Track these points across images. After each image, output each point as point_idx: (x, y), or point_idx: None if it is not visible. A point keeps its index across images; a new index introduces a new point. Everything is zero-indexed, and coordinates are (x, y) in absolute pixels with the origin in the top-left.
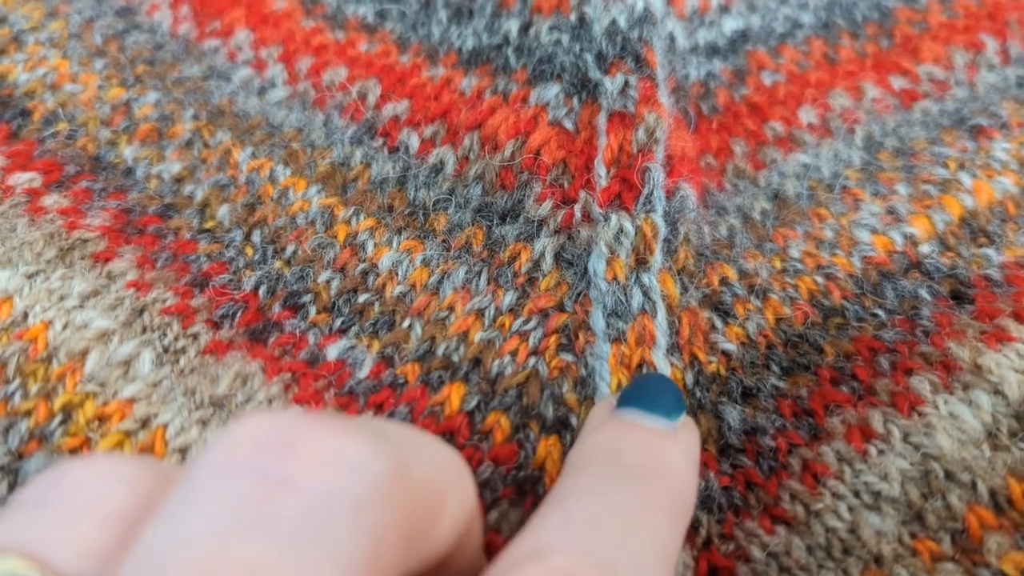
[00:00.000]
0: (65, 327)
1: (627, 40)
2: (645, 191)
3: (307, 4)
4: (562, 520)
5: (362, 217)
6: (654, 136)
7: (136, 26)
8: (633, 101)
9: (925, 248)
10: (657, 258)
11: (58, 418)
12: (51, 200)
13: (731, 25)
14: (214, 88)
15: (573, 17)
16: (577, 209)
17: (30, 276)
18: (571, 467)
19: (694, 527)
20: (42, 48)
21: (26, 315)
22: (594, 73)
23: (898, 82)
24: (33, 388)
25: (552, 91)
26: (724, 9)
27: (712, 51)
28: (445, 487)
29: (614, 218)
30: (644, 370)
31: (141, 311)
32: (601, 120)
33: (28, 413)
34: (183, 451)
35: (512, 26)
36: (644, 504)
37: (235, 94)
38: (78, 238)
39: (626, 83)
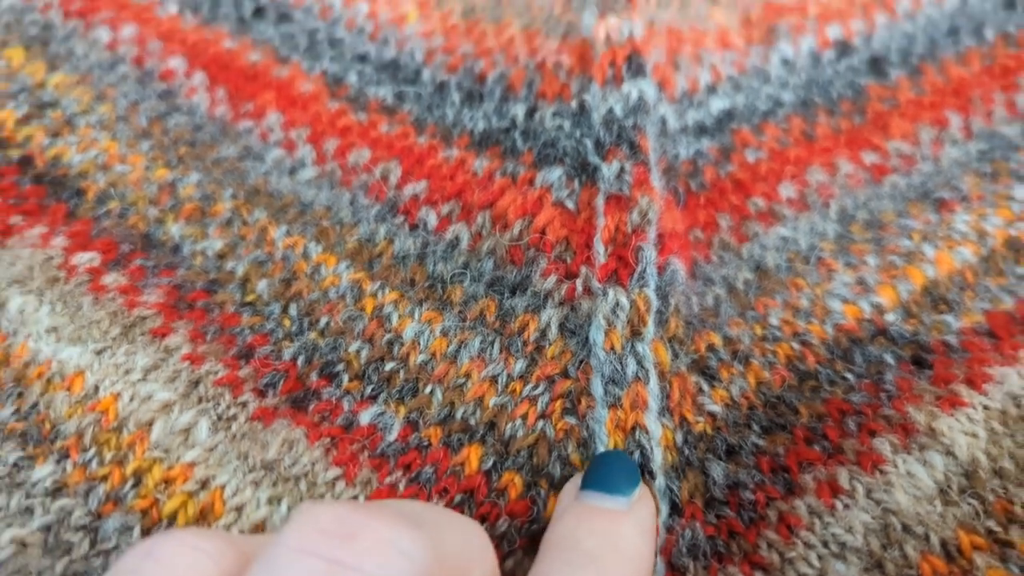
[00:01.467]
0: (132, 399)
1: (623, 128)
2: (639, 269)
3: (332, 86)
4: None
5: (387, 291)
6: (647, 218)
7: (177, 108)
8: (628, 185)
9: (890, 316)
10: (650, 329)
11: (130, 482)
12: (111, 279)
13: (718, 105)
14: (249, 168)
15: (574, 104)
16: (579, 283)
17: (99, 352)
18: (540, 554)
19: (682, 572)
20: (93, 130)
21: (97, 388)
22: (593, 158)
23: (869, 157)
24: (107, 456)
25: (555, 174)
26: (711, 90)
27: (700, 130)
28: (471, 559)
29: (611, 293)
30: (637, 433)
31: (196, 383)
32: (599, 202)
33: (104, 478)
34: (239, 510)
35: (519, 111)
36: None
37: (268, 174)
38: (138, 315)
39: (622, 169)
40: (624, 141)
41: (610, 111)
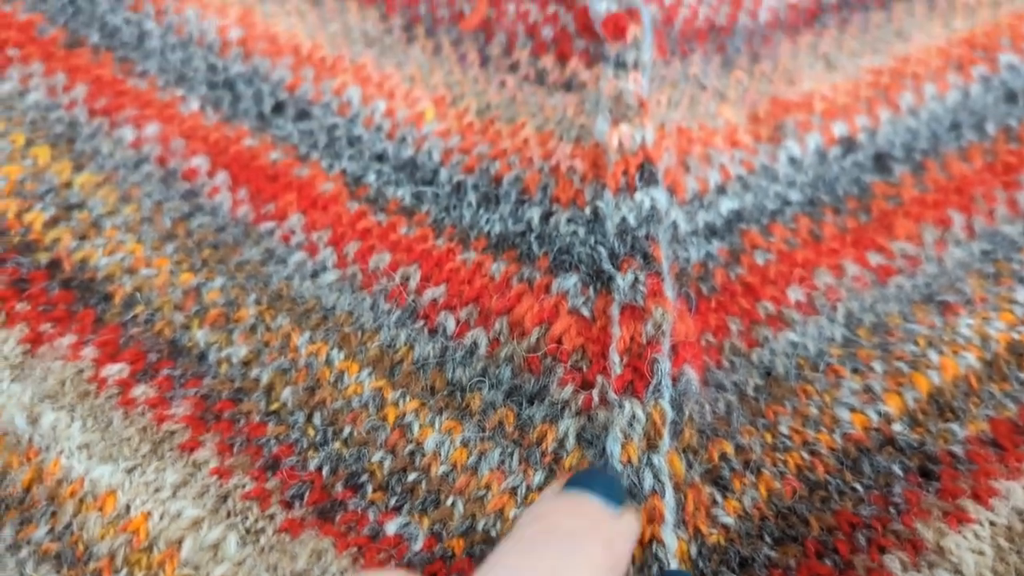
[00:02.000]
0: (162, 517)
1: (636, 239)
2: (654, 381)
3: (351, 186)
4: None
5: (408, 399)
6: (661, 329)
7: (200, 208)
8: (642, 295)
9: (898, 426)
10: (665, 441)
11: None
12: (139, 391)
13: (727, 205)
14: (272, 272)
15: (588, 211)
16: (595, 393)
17: (130, 471)
18: (513, 527)
19: None
20: (119, 232)
21: (128, 508)
22: (607, 266)
23: (875, 259)
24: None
25: (571, 281)
26: (721, 190)
27: (711, 232)
28: None
29: (627, 406)
30: (654, 547)
31: (225, 497)
32: (615, 311)
33: None
34: None
35: (534, 214)
36: (569, 562)
37: (291, 278)
38: (167, 431)
39: (636, 279)
40: (638, 252)
41: (623, 220)
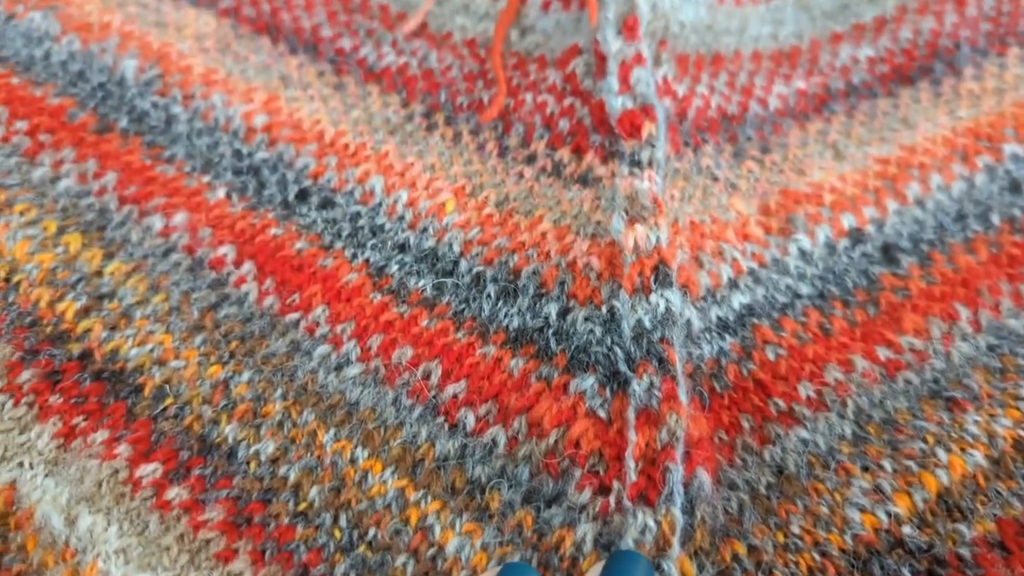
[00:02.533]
0: None
1: (651, 343)
2: (666, 490)
3: (374, 277)
4: None
5: (430, 499)
6: (675, 436)
7: (226, 298)
8: (657, 400)
9: (907, 528)
10: (675, 548)
11: None
12: (174, 493)
13: (739, 300)
14: (298, 365)
15: (604, 310)
16: (611, 499)
17: None
18: None
19: None
20: (148, 323)
21: None
22: (624, 368)
23: (884, 353)
24: None
25: (588, 382)
26: (733, 284)
27: (723, 327)
28: None
29: (640, 516)
30: None
31: None
32: (630, 415)
33: None
34: None
35: (552, 310)
36: None
37: (316, 371)
38: (203, 539)
39: (651, 384)
40: (653, 356)
41: (639, 323)
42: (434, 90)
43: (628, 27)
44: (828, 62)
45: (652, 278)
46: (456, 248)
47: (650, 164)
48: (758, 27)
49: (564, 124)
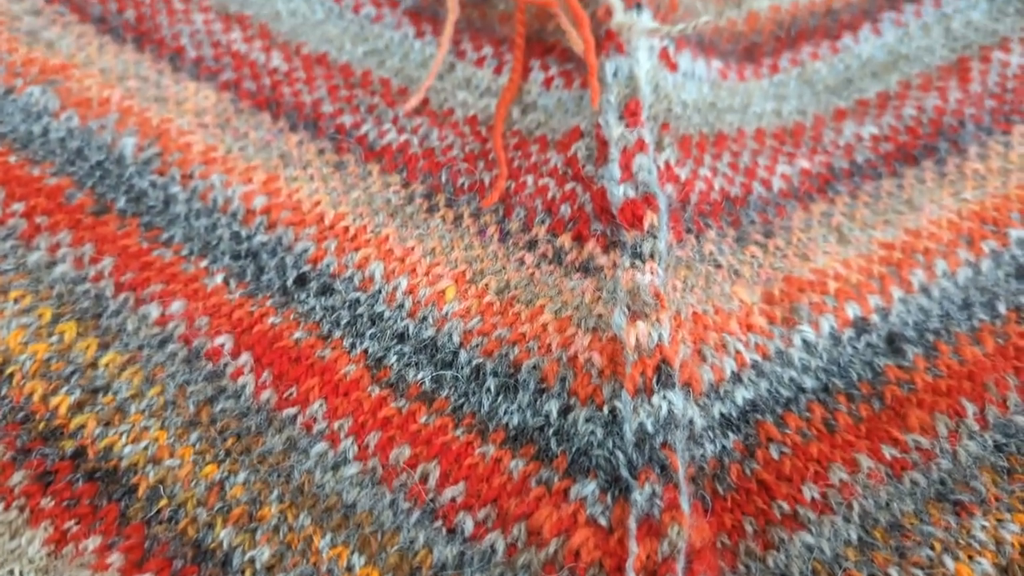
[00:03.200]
0: None
1: (653, 449)
2: None
3: (373, 369)
4: None
5: None
6: (676, 548)
7: (223, 391)
8: (659, 509)
9: None
10: None
11: None
12: None
13: (743, 395)
14: (294, 463)
15: (606, 411)
16: None
17: None
18: None
19: None
20: (143, 418)
21: None
22: (625, 473)
23: (889, 451)
24: None
25: (589, 488)
26: (737, 379)
27: (726, 423)
28: None
29: None
30: None
31: None
32: (632, 524)
33: None
34: None
35: (552, 407)
36: None
37: (312, 471)
38: None
39: (653, 492)
40: (655, 462)
41: (641, 426)
42: (435, 170)
43: (630, 111)
44: (832, 140)
45: (654, 379)
46: (456, 338)
47: (652, 256)
48: (762, 103)
49: (565, 209)
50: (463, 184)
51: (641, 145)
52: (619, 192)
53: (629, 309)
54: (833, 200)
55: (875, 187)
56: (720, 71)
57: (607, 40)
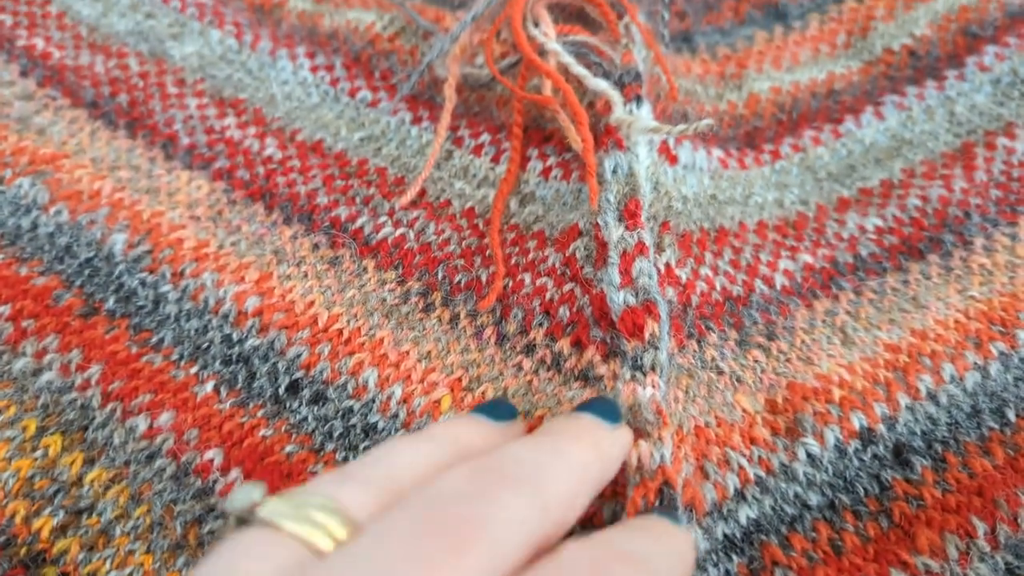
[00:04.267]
0: None
1: None
2: None
3: None
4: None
5: None
6: None
7: (211, 510)
8: None
9: None
10: None
11: None
12: None
13: (746, 514)
14: None
15: None
16: None
17: None
18: None
19: None
20: (128, 541)
21: None
22: None
23: None
24: None
25: None
26: (740, 496)
27: (730, 545)
28: None
29: None
30: None
31: None
32: None
33: None
34: None
35: None
36: (554, 456)
37: None
38: None
39: None
40: None
41: None
42: (432, 266)
43: (630, 212)
44: (835, 232)
45: (656, 502)
46: None
47: (653, 368)
48: (763, 192)
49: (564, 312)
50: (460, 281)
51: (641, 248)
52: (619, 298)
53: (630, 425)
54: (837, 297)
55: (880, 283)
56: (721, 160)
57: (606, 135)
